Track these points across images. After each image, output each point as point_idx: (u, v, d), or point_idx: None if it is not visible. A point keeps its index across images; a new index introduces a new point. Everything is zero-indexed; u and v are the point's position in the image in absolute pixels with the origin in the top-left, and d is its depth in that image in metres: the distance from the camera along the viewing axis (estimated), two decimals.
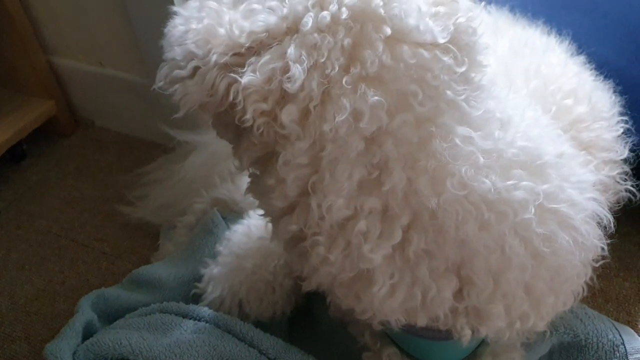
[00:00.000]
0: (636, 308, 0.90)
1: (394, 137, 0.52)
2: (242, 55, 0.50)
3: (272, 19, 0.50)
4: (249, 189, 0.62)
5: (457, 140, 0.53)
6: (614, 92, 0.82)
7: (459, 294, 0.60)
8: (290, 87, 0.49)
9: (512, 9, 0.90)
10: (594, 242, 0.65)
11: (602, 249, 0.67)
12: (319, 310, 0.88)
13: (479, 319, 0.62)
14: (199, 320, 0.79)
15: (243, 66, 0.50)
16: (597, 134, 0.77)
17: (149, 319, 0.80)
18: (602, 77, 0.83)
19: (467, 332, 0.63)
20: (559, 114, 0.74)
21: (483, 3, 0.97)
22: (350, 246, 0.55)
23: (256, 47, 0.50)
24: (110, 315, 0.85)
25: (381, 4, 0.50)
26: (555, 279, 0.65)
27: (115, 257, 1.08)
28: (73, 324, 0.79)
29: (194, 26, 0.52)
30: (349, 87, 0.49)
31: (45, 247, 1.11)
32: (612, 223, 0.67)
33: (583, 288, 0.69)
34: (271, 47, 0.50)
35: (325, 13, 0.50)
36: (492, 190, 0.54)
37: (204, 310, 0.81)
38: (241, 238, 0.85)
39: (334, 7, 0.50)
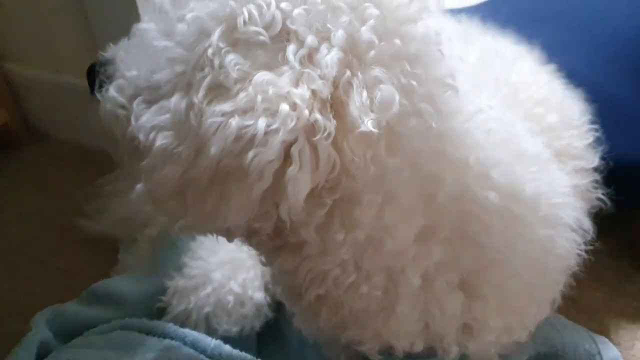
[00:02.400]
0: (608, 318, 0.90)
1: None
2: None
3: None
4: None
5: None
6: (584, 100, 0.82)
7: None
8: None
9: (483, 19, 0.90)
10: (572, 248, 0.65)
11: (579, 255, 0.67)
12: (289, 326, 0.85)
13: (471, 334, 0.61)
14: (164, 337, 0.75)
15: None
16: (568, 142, 0.77)
17: (109, 337, 0.75)
18: (571, 86, 0.83)
19: (454, 349, 0.62)
20: (531, 122, 0.74)
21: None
22: (392, 274, 0.53)
23: None
24: (68, 333, 0.79)
25: None
26: (537, 287, 0.64)
27: (73, 273, 1.02)
28: (26, 344, 0.73)
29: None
30: None
31: None
32: (590, 230, 0.67)
33: (557, 298, 0.69)
34: None
35: None
36: (515, 191, 0.55)
37: (169, 326, 0.76)
38: (208, 249, 0.82)
39: None
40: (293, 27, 0.46)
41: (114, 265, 1.01)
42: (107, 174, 1.12)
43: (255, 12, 0.46)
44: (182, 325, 0.78)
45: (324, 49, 0.45)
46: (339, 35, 0.46)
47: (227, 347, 0.74)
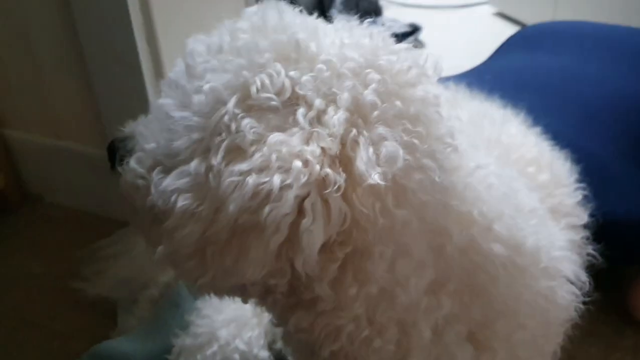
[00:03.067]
0: None
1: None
2: None
3: None
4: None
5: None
6: (570, 161, 0.86)
7: None
8: None
9: (469, 86, 0.95)
10: (571, 300, 0.68)
11: (578, 308, 0.69)
12: None
13: None
14: None
15: None
16: (560, 200, 0.80)
17: None
18: (557, 147, 0.88)
19: None
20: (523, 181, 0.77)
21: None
22: (404, 327, 0.55)
23: None
24: None
25: None
26: (541, 339, 0.66)
27: (69, 336, 1.01)
28: None
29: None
30: None
31: None
32: (587, 282, 0.70)
33: (557, 350, 0.71)
34: None
35: None
36: (518, 243, 0.58)
37: None
38: (214, 308, 0.82)
39: None
40: (302, 92, 0.49)
41: (111, 328, 1.01)
42: (101, 237, 1.13)
43: (266, 81, 0.49)
44: None
45: (331, 110, 0.49)
46: (344, 97, 0.49)
47: None
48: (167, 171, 0.52)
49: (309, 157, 0.46)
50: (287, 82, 0.49)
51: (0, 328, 1.03)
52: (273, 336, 0.84)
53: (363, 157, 0.47)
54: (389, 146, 0.48)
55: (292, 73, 0.49)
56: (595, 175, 0.87)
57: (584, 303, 0.69)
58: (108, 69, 1.02)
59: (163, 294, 0.95)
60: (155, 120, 0.58)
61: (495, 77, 1.14)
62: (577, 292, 0.68)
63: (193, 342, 0.80)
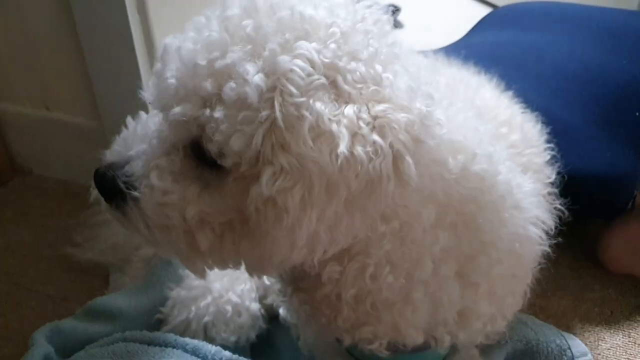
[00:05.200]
0: (573, 322, 0.98)
1: None
2: None
3: None
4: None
5: None
6: (540, 123, 0.92)
7: None
8: None
9: (446, 56, 1.00)
10: (539, 241, 0.73)
11: (546, 252, 0.75)
12: (281, 338, 0.89)
13: (463, 322, 0.67)
14: (165, 346, 0.78)
15: None
16: (529, 158, 0.85)
17: (112, 349, 0.78)
18: (527, 111, 0.93)
19: (447, 339, 0.67)
20: (495, 140, 0.82)
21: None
22: (414, 262, 0.59)
23: None
24: (67, 349, 0.82)
25: None
26: (514, 277, 0.72)
27: (62, 299, 1.04)
28: (29, 358, 0.76)
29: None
30: None
31: None
32: (552, 228, 0.75)
33: (527, 290, 0.76)
34: None
35: None
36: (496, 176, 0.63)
37: (169, 336, 0.80)
38: None
39: None
40: (328, 60, 0.52)
41: (103, 291, 1.04)
42: (88, 206, 1.15)
43: (303, 63, 0.51)
44: (181, 335, 0.82)
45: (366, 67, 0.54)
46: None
47: (227, 353, 0.78)
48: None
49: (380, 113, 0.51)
50: (316, 56, 0.52)
51: None
52: (264, 291, 0.88)
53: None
54: None
55: (314, 45, 0.52)
56: (563, 136, 0.93)
57: (551, 251, 0.75)
58: (100, 40, 1.04)
59: (156, 253, 0.98)
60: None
61: (470, 51, 1.19)
62: (544, 235, 0.73)
63: (187, 294, 0.84)
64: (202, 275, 0.63)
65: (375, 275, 0.60)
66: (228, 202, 0.56)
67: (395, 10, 2.00)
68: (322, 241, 0.54)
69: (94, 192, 0.66)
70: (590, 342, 0.94)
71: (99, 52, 1.06)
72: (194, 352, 0.78)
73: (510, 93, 0.94)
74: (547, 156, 0.89)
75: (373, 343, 0.67)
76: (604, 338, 0.95)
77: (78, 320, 0.87)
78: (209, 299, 0.84)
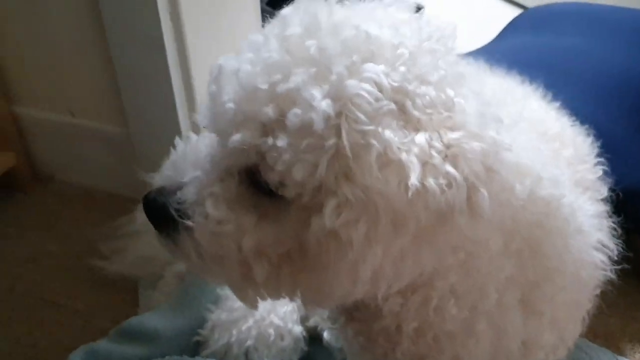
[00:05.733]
0: (622, 343, 0.94)
1: None
2: None
3: None
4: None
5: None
6: (590, 136, 0.88)
7: None
8: None
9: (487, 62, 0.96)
10: (602, 269, 0.70)
11: (606, 276, 0.71)
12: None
13: (525, 353, 0.64)
14: None
15: None
16: (582, 175, 0.82)
17: None
18: (577, 123, 0.90)
19: None
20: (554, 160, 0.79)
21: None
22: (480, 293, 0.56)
23: None
24: None
25: None
26: (576, 303, 0.69)
27: (90, 315, 1.01)
28: None
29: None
30: None
31: (8, 306, 1.02)
32: (614, 250, 0.72)
33: (586, 316, 0.73)
34: None
35: None
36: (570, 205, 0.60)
37: None
38: None
39: None
40: (397, 84, 0.48)
41: (132, 306, 1.01)
42: (117, 215, 1.12)
43: (371, 87, 0.48)
44: (222, 359, 0.79)
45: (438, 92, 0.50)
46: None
47: None
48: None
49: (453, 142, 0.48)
50: (385, 80, 0.48)
51: (19, 308, 1.02)
52: (306, 312, 0.85)
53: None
54: None
55: (382, 68, 0.48)
56: (611, 149, 0.89)
57: (611, 271, 0.71)
58: (130, 45, 1.00)
59: (188, 269, 0.95)
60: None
61: (504, 55, 1.15)
62: (605, 259, 0.70)
63: (228, 316, 0.81)
64: (253, 305, 0.59)
65: (439, 307, 0.57)
66: (287, 232, 0.53)
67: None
68: (386, 276, 0.50)
69: (140, 216, 0.63)
70: None
71: (128, 58, 1.03)
72: None
73: (556, 104, 0.90)
74: (599, 172, 0.86)
75: None
76: None
77: (112, 342, 0.83)
78: (250, 322, 0.80)
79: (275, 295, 0.57)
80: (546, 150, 0.70)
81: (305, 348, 0.84)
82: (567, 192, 0.64)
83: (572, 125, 0.88)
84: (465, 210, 0.48)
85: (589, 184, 0.83)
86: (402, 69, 0.49)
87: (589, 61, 1.12)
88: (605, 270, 0.70)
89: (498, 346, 0.62)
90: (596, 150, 0.87)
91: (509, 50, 1.22)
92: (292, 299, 0.58)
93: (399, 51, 0.50)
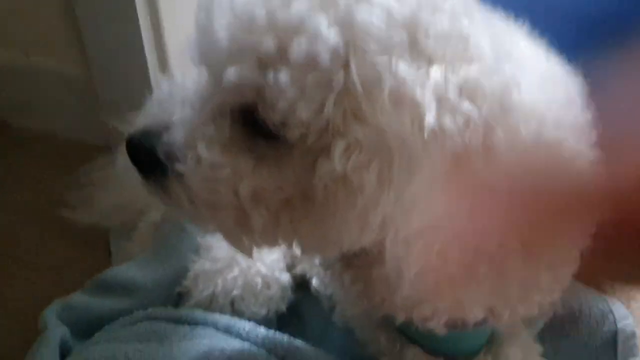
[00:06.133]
0: (603, 280, 0.95)
1: None
2: None
3: None
4: None
5: None
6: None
7: None
8: None
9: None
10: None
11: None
12: (310, 307, 0.84)
13: (523, 296, 0.63)
14: (195, 325, 0.72)
15: None
16: (575, 117, 0.81)
17: (136, 329, 0.71)
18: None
19: (506, 314, 0.63)
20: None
21: None
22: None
23: None
24: (81, 328, 0.75)
25: None
26: (572, 246, 0.68)
27: (59, 269, 0.95)
28: (47, 342, 0.68)
29: None
30: None
31: None
32: None
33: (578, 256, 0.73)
34: None
35: None
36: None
37: (198, 313, 0.73)
38: None
39: None
40: None
41: (104, 257, 0.96)
42: (80, 163, 1.05)
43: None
44: (206, 310, 0.75)
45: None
46: None
47: (262, 329, 0.72)
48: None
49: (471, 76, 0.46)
50: (396, 6, 0.44)
51: None
52: (291, 259, 0.82)
53: None
54: None
55: None
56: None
57: None
58: None
59: (165, 217, 0.90)
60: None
61: None
62: None
63: (212, 266, 0.77)
64: (249, 254, 0.56)
65: (442, 251, 0.54)
66: (288, 177, 0.49)
67: None
68: (395, 222, 0.48)
69: (120, 158, 0.58)
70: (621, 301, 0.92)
71: None
72: (227, 330, 0.72)
73: (542, 42, 0.88)
74: (589, 115, 0.84)
75: (431, 320, 0.62)
76: (636, 297, 0.93)
77: (89, 295, 0.79)
78: (236, 271, 0.77)
79: (273, 243, 0.54)
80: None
81: (292, 296, 0.82)
82: (569, 136, 0.63)
83: (560, 64, 0.86)
84: (481, 152, 0.45)
85: (582, 128, 0.82)
86: None
87: None
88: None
89: (498, 289, 0.61)
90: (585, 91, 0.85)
91: None
92: (289, 247, 0.55)
93: None
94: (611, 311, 0.82)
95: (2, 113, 1.19)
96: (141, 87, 0.98)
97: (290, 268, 0.82)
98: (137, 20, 0.92)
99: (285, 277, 0.80)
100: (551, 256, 0.63)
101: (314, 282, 0.80)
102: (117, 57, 0.98)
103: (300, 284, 0.83)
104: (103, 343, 0.69)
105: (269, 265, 0.78)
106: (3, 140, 1.18)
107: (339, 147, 0.44)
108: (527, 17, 0.85)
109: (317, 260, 0.77)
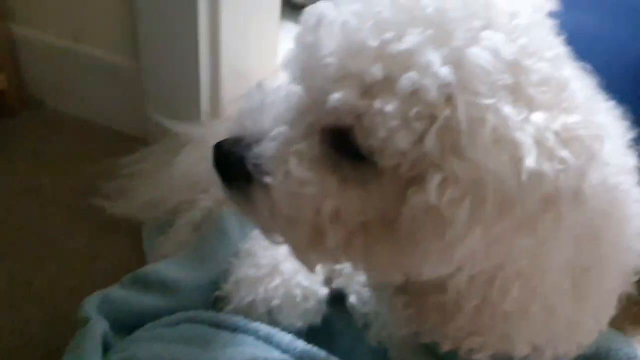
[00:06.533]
0: (624, 325, 0.97)
1: None
2: None
3: None
4: None
5: None
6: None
7: None
8: None
9: None
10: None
11: None
12: (340, 321, 0.84)
13: (568, 336, 0.64)
14: (235, 331, 0.72)
15: None
16: (625, 159, 0.82)
17: (178, 331, 0.71)
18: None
19: (550, 352, 0.64)
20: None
21: None
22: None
23: None
24: (119, 322, 0.74)
25: None
26: (615, 292, 0.69)
27: (92, 257, 0.95)
28: (92, 335, 0.68)
29: None
30: None
31: (1, 240, 0.95)
32: None
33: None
34: None
35: None
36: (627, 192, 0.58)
37: (240, 320, 0.73)
38: None
39: None
40: (513, 57, 0.46)
41: (136, 251, 0.96)
42: (116, 153, 1.05)
43: (490, 57, 0.45)
44: (245, 317, 0.76)
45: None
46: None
47: (302, 343, 0.72)
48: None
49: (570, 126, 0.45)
50: (504, 52, 0.45)
51: (14, 244, 0.95)
52: (329, 273, 0.83)
53: None
54: None
55: (501, 37, 0.45)
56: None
57: None
58: None
59: (205, 218, 0.90)
60: None
61: None
62: None
63: (255, 273, 0.77)
64: (312, 269, 0.56)
65: (503, 288, 0.56)
66: (373, 202, 0.50)
67: None
68: (476, 258, 0.49)
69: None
70: None
71: None
72: (267, 339, 0.72)
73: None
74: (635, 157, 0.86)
75: (479, 353, 0.63)
76: None
77: (128, 289, 0.78)
78: (278, 280, 0.77)
79: (339, 261, 0.55)
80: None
81: (328, 311, 0.82)
82: (628, 180, 0.64)
83: (611, 109, 0.87)
84: (571, 197, 0.46)
85: (631, 169, 0.83)
86: (522, 41, 0.46)
87: (602, 44, 1.10)
88: None
89: (546, 328, 0.62)
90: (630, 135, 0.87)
91: None
92: (355, 266, 0.56)
93: (515, 21, 0.47)
94: (637, 356, 0.84)
95: (41, 93, 1.19)
96: (190, 87, 0.99)
97: (327, 282, 0.82)
98: (197, 21, 0.92)
99: (324, 292, 0.80)
100: (597, 299, 0.64)
101: (352, 298, 0.80)
102: (171, 54, 0.98)
103: (334, 299, 0.83)
104: (148, 342, 0.68)
105: (310, 277, 0.79)
106: (37, 119, 1.18)
107: (435, 180, 0.44)
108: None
109: (361, 278, 0.77)
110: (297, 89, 0.52)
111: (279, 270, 0.78)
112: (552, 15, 0.58)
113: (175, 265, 0.82)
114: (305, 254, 0.55)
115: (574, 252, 0.58)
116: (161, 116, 0.99)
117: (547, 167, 0.44)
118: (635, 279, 0.72)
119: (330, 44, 0.47)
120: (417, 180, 0.46)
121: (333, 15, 0.48)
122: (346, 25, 0.47)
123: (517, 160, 0.44)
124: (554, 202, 0.46)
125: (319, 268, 0.66)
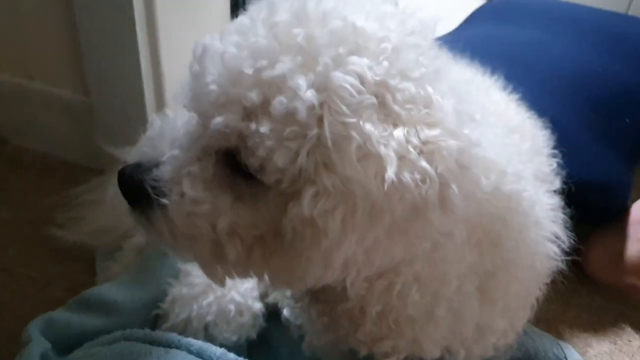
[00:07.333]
0: (562, 327, 1.00)
1: None
2: None
3: None
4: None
5: None
6: (545, 129, 0.91)
7: None
8: None
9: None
10: (554, 259, 0.73)
11: (560, 265, 0.75)
12: (278, 335, 0.87)
13: (478, 337, 0.67)
14: (169, 347, 0.75)
15: None
16: (539, 167, 0.86)
17: (114, 349, 0.74)
18: (534, 116, 0.92)
19: (462, 353, 0.67)
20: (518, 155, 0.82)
21: None
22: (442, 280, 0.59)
23: None
24: (62, 343, 0.78)
25: None
26: (528, 291, 0.72)
27: (46, 283, 0.99)
28: (29, 355, 0.72)
29: None
30: None
31: None
32: (566, 241, 0.76)
33: (534, 303, 0.77)
34: None
35: None
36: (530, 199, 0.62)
37: (173, 336, 0.77)
38: None
39: None
40: (378, 78, 0.50)
41: (89, 276, 1.00)
42: (72, 184, 1.10)
43: (355, 80, 0.49)
44: (181, 334, 0.79)
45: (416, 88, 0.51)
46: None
47: (232, 355, 0.75)
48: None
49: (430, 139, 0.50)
50: (368, 74, 0.49)
51: None
52: (264, 288, 0.86)
53: None
54: None
55: (366, 61, 0.49)
56: (564, 143, 0.93)
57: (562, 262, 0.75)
58: (96, 9, 0.97)
59: (149, 242, 0.94)
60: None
61: (467, 44, 1.17)
62: (557, 250, 0.74)
63: (189, 291, 0.81)
64: (221, 283, 0.60)
65: (402, 292, 0.59)
66: (263, 216, 0.54)
67: None
68: (357, 264, 0.53)
69: (111, 189, 0.62)
70: (578, 348, 0.96)
71: (93, 22, 0.99)
72: (199, 354, 0.75)
73: (515, 96, 0.93)
74: (553, 164, 0.89)
75: (391, 356, 0.66)
76: (592, 344, 0.98)
77: (71, 311, 0.82)
78: (211, 297, 0.81)
79: (244, 274, 0.59)
80: (510, 144, 0.73)
81: (264, 324, 0.86)
82: (528, 187, 0.67)
83: (530, 118, 0.91)
84: (437, 204, 0.50)
85: (545, 176, 0.87)
86: (386, 63, 0.50)
87: (547, 56, 1.15)
88: (556, 260, 0.74)
89: (454, 331, 0.65)
90: (551, 144, 0.90)
91: (472, 40, 1.23)
92: (260, 279, 0.59)
93: (383, 45, 0.51)
94: (565, 357, 0.86)
95: (2, 132, 1.24)
96: (137, 116, 1.04)
97: (263, 297, 0.86)
98: (138, 53, 0.97)
99: (258, 306, 0.84)
100: (505, 302, 0.68)
101: (285, 311, 0.83)
102: (117, 86, 1.04)
103: (272, 313, 0.87)
104: None
105: (243, 293, 0.82)
106: (0, 157, 1.23)
107: (308, 193, 0.49)
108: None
109: (288, 292, 0.81)
110: (193, 115, 0.57)
111: (212, 288, 0.82)
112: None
113: (117, 286, 0.86)
114: (211, 267, 0.59)
115: (477, 257, 0.62)
116: (112, 146, 1.04)
117: (407, 177, 0.48)
118: (548, 281, 0.76)
119: (213, 72, 0.52)
120: (297, 194, 0.50)
121: (216, 46, 0.53)
122: (225, 54, 0.51)
123: (380, 172, 0.48)
124: (421, 209, 0.50)
125: (230, 282, 0.70)
